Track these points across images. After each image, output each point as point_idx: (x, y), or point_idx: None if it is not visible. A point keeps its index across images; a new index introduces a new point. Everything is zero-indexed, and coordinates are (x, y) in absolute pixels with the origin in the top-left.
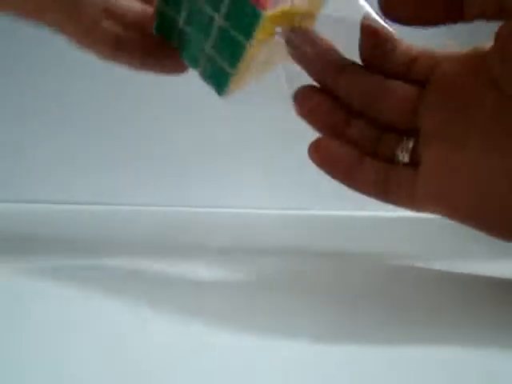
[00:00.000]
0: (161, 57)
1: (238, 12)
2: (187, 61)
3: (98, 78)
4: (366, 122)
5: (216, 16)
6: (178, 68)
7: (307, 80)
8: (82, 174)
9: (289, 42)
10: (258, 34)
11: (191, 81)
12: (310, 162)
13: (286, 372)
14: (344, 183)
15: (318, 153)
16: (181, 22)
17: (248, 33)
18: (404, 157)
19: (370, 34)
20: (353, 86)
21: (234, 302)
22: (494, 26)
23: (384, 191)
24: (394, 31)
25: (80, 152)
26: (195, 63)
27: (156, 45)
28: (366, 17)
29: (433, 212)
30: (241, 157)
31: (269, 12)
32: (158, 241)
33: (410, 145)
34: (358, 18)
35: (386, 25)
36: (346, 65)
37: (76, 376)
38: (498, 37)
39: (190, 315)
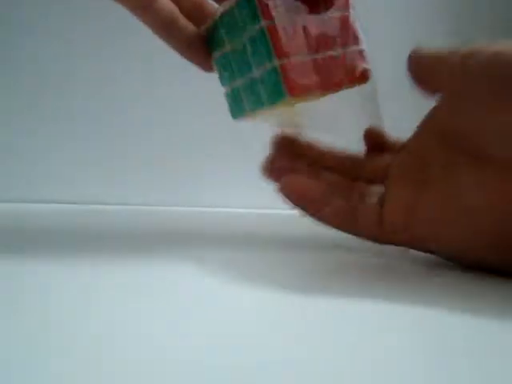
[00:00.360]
0: (198, 52)
1: (271, 79)
2: (217, 71)
3: (99, 77)
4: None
5: (254, 67)
6: (208, 68)
7: None
8: (82, 174)
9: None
10: (279, 106)
11: (194, 82)
12: None
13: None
14: (314, 217)
15: (287, 189)
16: (225, 47)
17: (271, 100)
18: (373, 199)
19: (372, 138)
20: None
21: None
22: None
23: (351, 224)
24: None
25: (80, 152)
26: (222, 80)
27: (199, 39)
28: (370, 126)
29: (396, 244)
30: (241, 157)
31: (293, 97)
32: (157, 240)
33: (379, 190)
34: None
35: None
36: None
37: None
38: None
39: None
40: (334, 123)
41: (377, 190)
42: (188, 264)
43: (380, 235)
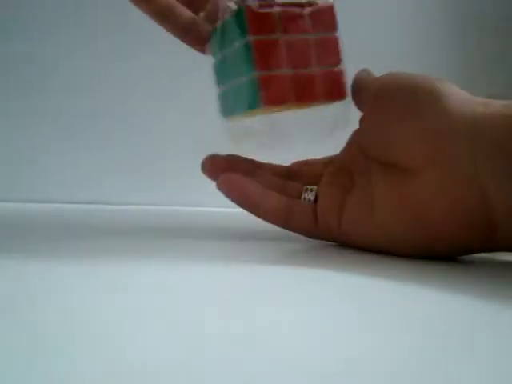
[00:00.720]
0: (195, 38)
1: (251, 88)
2: (213, 74)
3: (101, 77)
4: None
5: (240, 75)
6: (205, 52)
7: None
8: (82, 174)
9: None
10: (258, 112)
11: (195, 83)
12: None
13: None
14: (251, 212)
15: (224, 186)
16: (221, 53)
17: (250, 106)
18: (310, 197)
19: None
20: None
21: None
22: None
23: (288, 220)
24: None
25: (81, 152)
26: (216, 82)
27: (196, 26)
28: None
29: (330, 240)
30: None
31: (268, 107)
32: (157, 239)
33: (315, 189)
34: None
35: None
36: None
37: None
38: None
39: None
40: (297, 136)
41: (312, 189)
42: (188, 264)
43: (315, 231)
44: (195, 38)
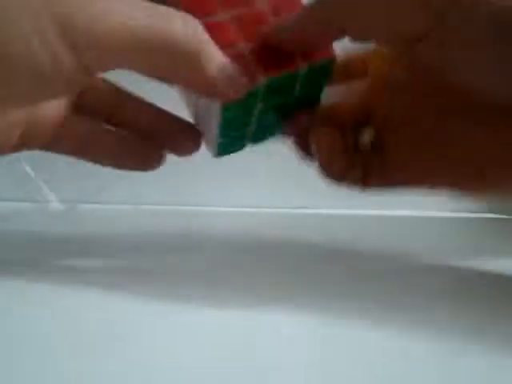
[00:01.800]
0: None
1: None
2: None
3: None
4: None
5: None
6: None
7: None
8: (83, 173)
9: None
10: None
11: None
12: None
13: None
14: (323, 164)
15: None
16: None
17: None
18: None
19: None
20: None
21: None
22: None
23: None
24: None
25: None
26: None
27: None
28: None
29: (399, 186)
30: (241, 157)
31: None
32: (160, 240)
33: (371, 132)
34: None
35: None
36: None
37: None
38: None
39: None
40: None
41: (368, 131)
42: (188, 264)
43: (384, 181)
44: None
